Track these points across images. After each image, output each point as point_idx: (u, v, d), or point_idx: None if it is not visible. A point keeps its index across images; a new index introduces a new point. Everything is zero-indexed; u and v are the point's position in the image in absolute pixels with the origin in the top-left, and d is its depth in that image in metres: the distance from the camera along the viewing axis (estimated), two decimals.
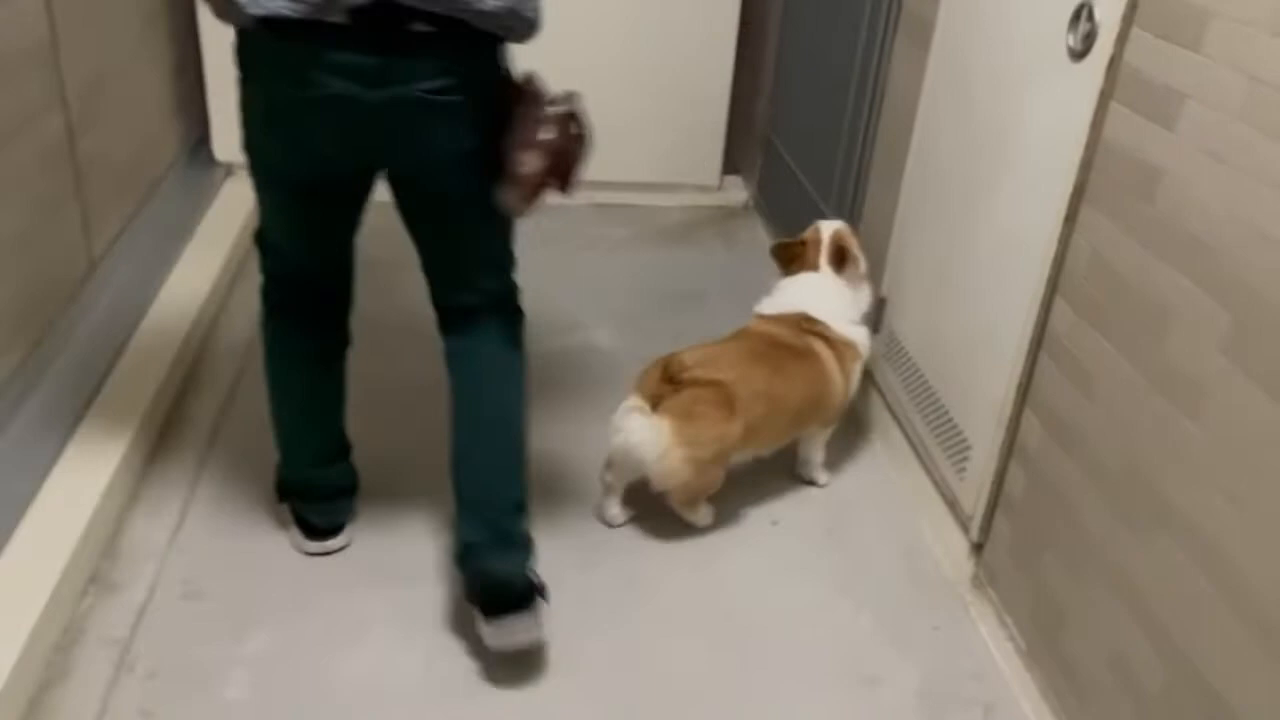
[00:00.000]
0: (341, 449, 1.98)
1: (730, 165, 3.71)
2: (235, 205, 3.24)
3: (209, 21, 3.16)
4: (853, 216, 2.63)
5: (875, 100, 2.51)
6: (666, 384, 1.99)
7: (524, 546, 1.76)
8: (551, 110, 1.54)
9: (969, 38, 2.06)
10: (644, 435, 1.96)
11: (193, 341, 2.61)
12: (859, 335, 2.22)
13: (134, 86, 2.90)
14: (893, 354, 2.39)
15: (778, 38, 3.34)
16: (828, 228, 2.27)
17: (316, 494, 1.97)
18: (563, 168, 1.56)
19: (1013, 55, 1.88)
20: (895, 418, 2.38)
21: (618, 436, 2.01)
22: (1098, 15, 1.60)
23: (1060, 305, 1.73)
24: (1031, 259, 1.78)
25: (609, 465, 2.10)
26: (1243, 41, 1.32)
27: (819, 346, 2.16)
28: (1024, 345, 1.80)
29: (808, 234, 2.29)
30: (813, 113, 3.03)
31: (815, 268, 2.23)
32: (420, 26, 1.44)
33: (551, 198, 1.59)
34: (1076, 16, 1.65)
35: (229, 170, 3.36)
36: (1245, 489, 1.31)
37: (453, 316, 1.78)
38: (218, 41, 3.19)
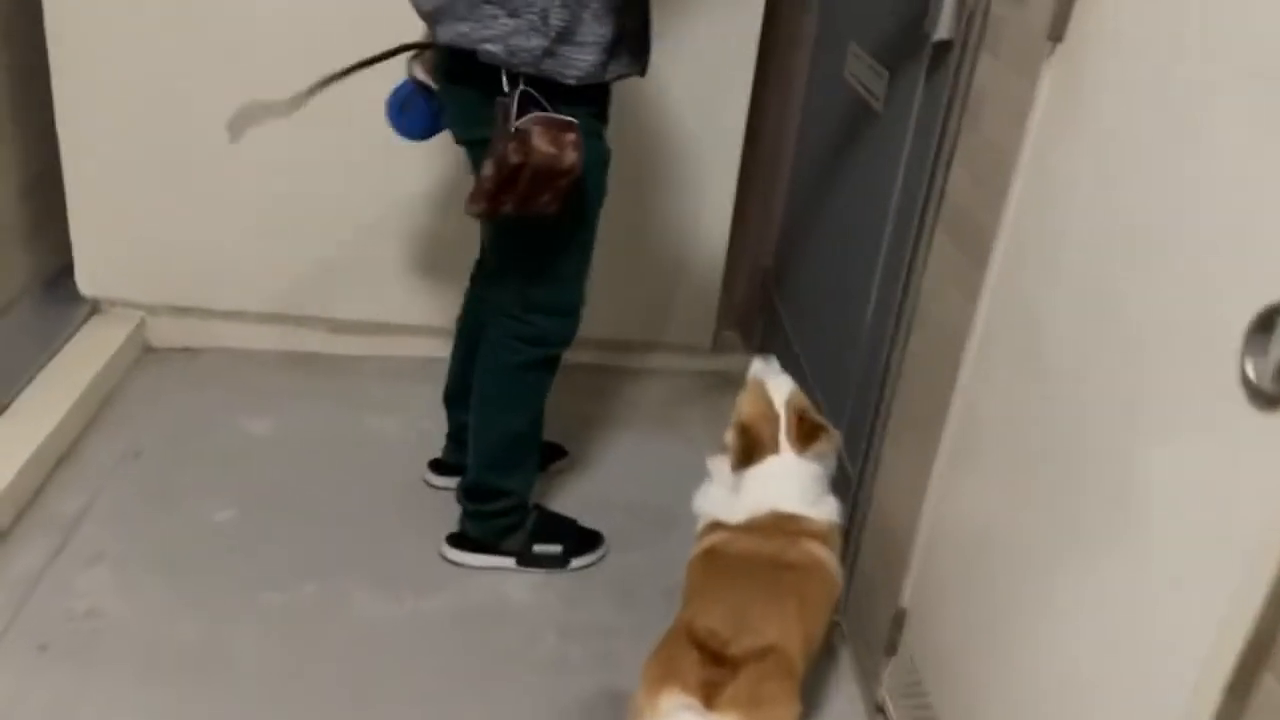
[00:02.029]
0: None
1: (728, 320, 2.99)
2: (98, 347, 2.57)
3: (76, 130, 2.51)
4: (866, 465, 1.89)
5: (904, 315, 1.78)
6: (712, 666, 1.50)
7: (471, 515, 2.13)
8: (511, 128, 1.66)
9: (1049, 293, 1.33)
10: None
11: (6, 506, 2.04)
12: (835, 510, 1.78)
13: None
14: (910, 693, 1.65)
15: (789, 179, 2.63)
16: (778, 392, 1.78)
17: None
18: (516, 186, 1.68)
19: (1132, 362, 1.15)
20: None
21: None
22: None
23: None
24: (1179, 661, 1.03)
25: None
26: None
27: (819, 552, 1.71)
28: None
29: (754, 404, 1.77)
30: (823, 295, 2.31)
31: (775, 450, 1.74)
32: None
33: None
34: (1265, 326, 0.91)
35: (95, 306, 2.70)
36: None
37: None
38: (84, 155, 2.53)
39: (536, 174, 1.67)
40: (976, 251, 1.52)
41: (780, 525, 1.70)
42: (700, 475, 2.32)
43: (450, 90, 1.84)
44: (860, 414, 1.95)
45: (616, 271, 2.77)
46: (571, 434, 2.57)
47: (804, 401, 1.80)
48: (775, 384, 1.80)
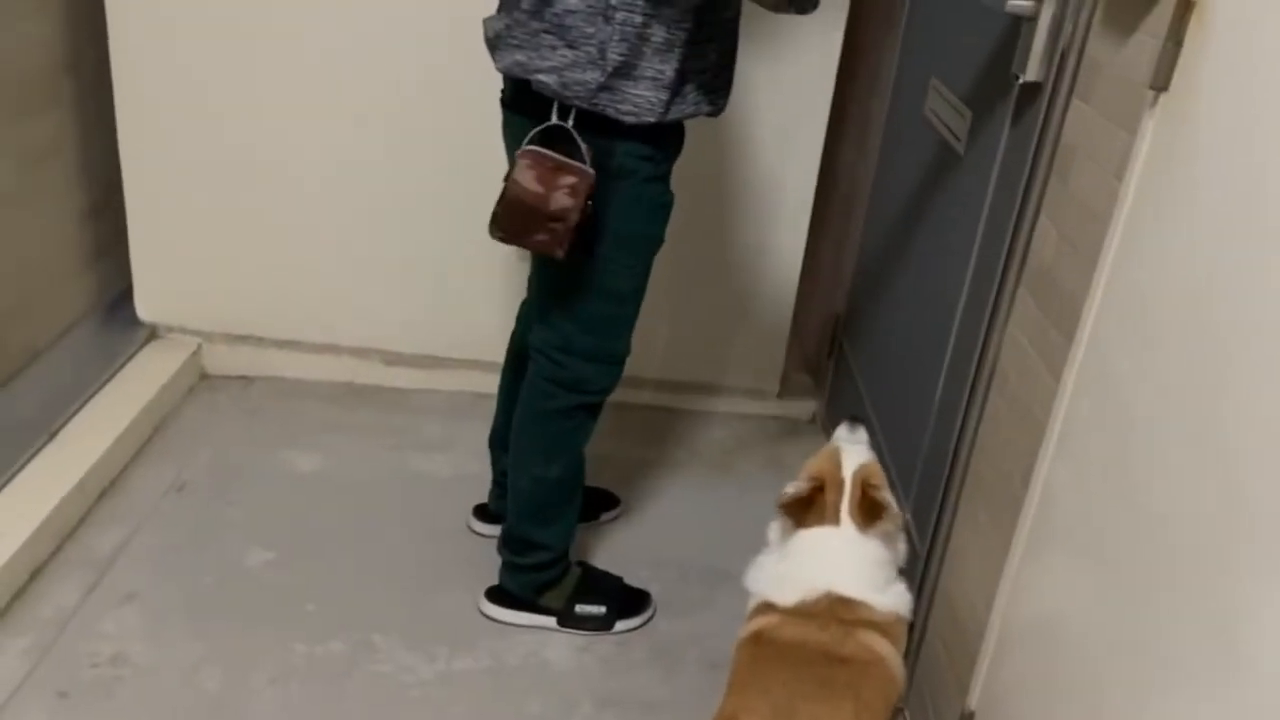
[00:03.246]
0: None
1: (796, 365, 2.84)
2: (152, 374, 2.54)
3: (139, 156, 2.49)
4: (934, 544, 1.73)
5: (980, 380, 1.61)
6: None
7: (507, 566, 2.03)
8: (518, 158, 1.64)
9: (1145, 374, 1.16)
10: None
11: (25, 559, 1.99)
12: (902, 600, 1.59)
13: (26, 226, 2.32)
14: None
15: (865, 222, 2.47)
16: (851, 460, 1.62)
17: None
18: (498, 218, 1.67)
19: (1239, 465, 0.98)
20: None
21: None
22: None
23: None
24: None
25: None
26: None
27: (879, 646, 1.52)
28: None
29: (822, 466, 1.61)
30: (897, 347, 2.15)
31: (835, 520, 1.57)
32: None
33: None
34: None
35: (154, 332, 2.67)
36: None
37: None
38: (147, 177, 2.51)
39: (516, 210, 1.63)
40: (1063, 319, 1.35)
41: (835, 612, 1.53)
42: (757, 528, 2.20)
43: (508, 117, 1.76)
44: (930, 485, 1.78)
45: (681, 310, 2.66)
46: (625, 479, 2.45)
47: (877, 475, 1.62)
48: (851, 451, 1.64)
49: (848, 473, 1.60)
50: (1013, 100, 1.59)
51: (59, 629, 1.90)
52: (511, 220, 1.65)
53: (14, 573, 1.95)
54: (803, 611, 1.54)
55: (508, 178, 1.65)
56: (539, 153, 1.61)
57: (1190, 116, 1.13)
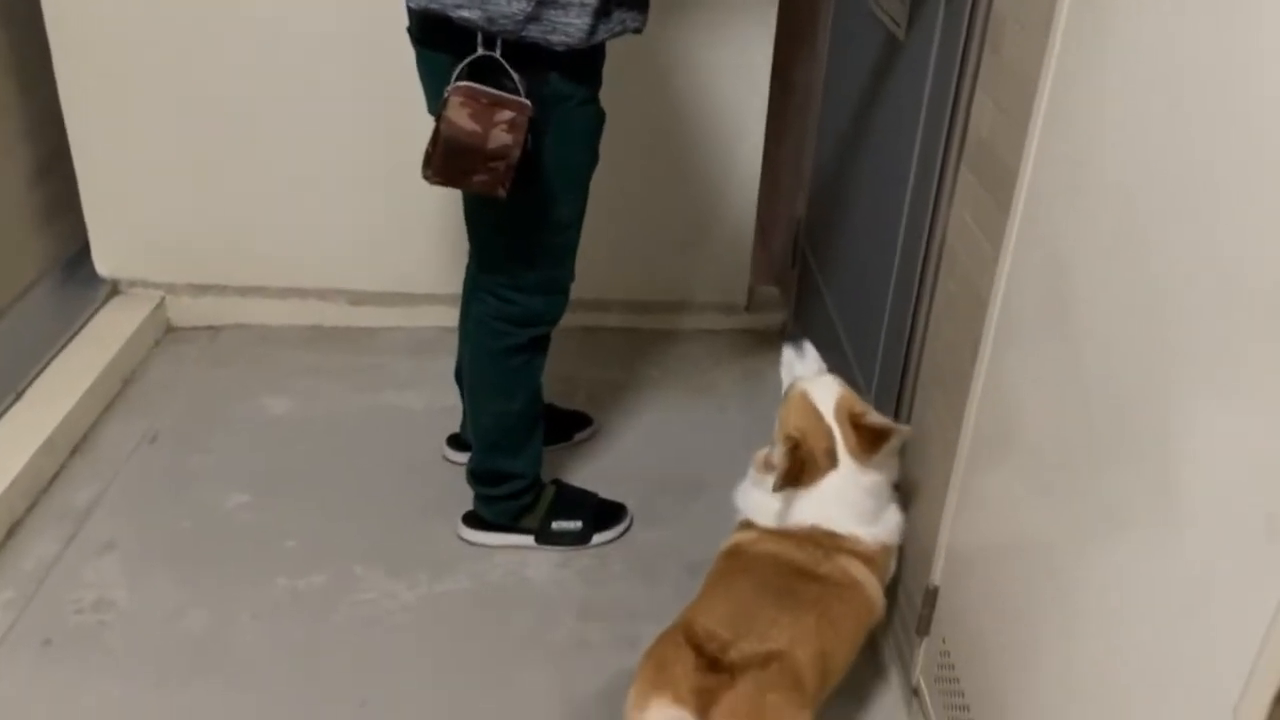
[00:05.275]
0: None
1: (763, 275, 2.83)
2: (117, 329, 2.53)
3: (83, 111, 2.45)
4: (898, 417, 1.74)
5: (929, 263, 1.62)
6: (708, 672, 1.34)
7: (481, 499, 2.04)
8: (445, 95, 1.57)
9: (1076, 233, 1.16)
10: None
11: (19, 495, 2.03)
12: (893, 527, 1.59)
13: None
14: (943, 683, 1.51)
15: (820, 125, 2.45)
16: (824, 400, 1.55)
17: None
18: (432, 160, 1.60)
19: (1167, 309, 0.98)
20: None
21: None
22: None
23: None
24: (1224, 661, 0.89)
25: None
26: None
27: (856, 570, 1.53)
28: None
29: (797, 420, 1.55)
30: (853, 244, 2.14)
31: (832, 465, 1.54)
32: None
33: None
34: None
35: (115, 288, 2.66)
36: None
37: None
38: (93, 136, 2.48)
39: (454, 151, 1.54)
40: (1000, 190, 1.35)
41: (816, 539, 1.53)
42: (734, 439, 2.22)
43: (421, 55, 1.68)
44: (890, 374, 1.79)
45: (643, 231, 2.65)
46: (597, 402, 2.46)
47: (855, 402, 1.57)
48: (819, 390, 1.57)
49: (828, 413, 1.55)
50: None
51: (39, 580, 1.92)
52: (448, 162, 1.56)
53: None
54: (783, 533, 1.55)
55: (439, 117, 1.56)
56: (472, 88, 1.53)
57: None
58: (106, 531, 2.04)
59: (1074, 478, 1.16)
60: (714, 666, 1.34)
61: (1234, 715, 0.83)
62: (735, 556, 1.56)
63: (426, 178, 1.61)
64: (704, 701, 1.31)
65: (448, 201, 2.56)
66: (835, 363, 1.89)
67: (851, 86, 2.16)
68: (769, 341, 2.77)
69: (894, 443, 1.57)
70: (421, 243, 2.64)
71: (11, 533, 2.01)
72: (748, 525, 1.61)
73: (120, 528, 2.05)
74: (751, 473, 1.67)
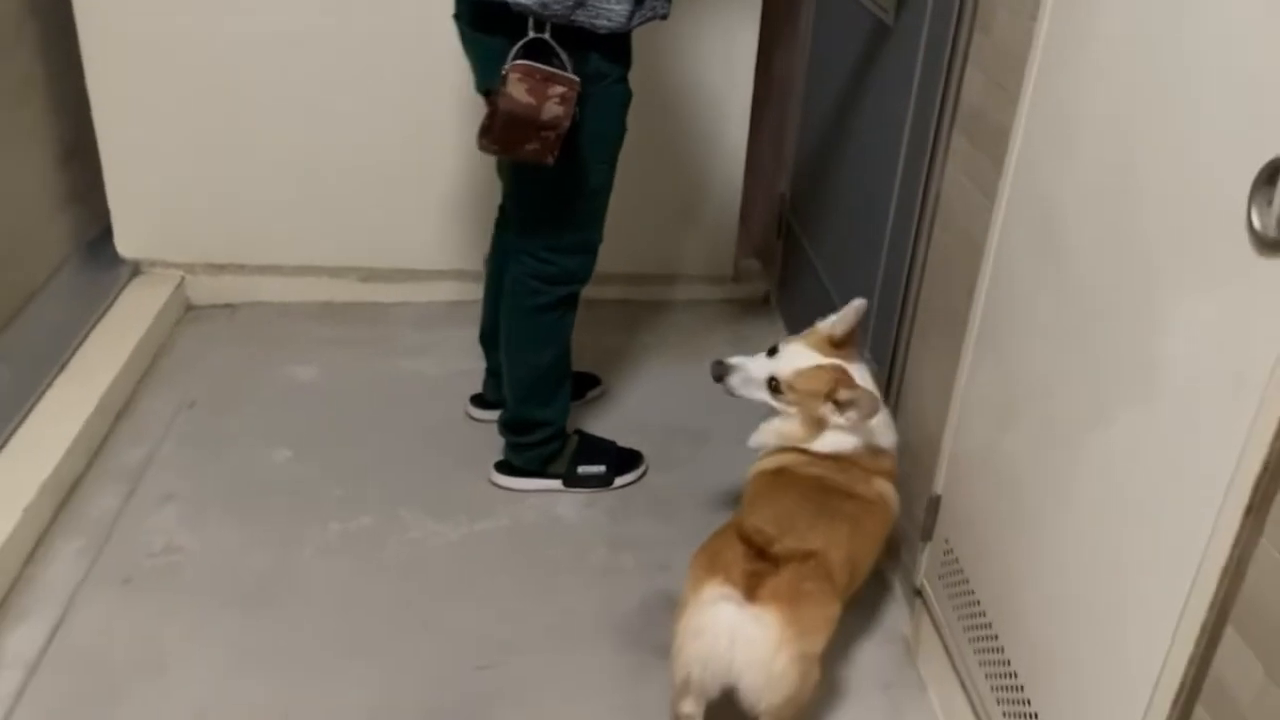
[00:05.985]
0: None
1: (747, 248, 3.07)
2: (142, 307, 2.66)
3: (106, 95, 2.58)
4: (894, 364, 1.98)
5: (925, 218, 1.86)
6: (756, 560, 1.56)
7: (513, 446, 2.24)
8: (502, 71, 1.74)
9: (1065, 177, 1.40)
10: (747, 631, 1.51)
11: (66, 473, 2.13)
12: (889, 438, 1.83)
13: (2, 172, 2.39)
14: (948, 580, 1.75)
15: (803, 104, 2.69)
16: (807, 358, 1.78)
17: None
18: (492, 131, 1.78)
19: (1146, 227, 1.23)
20: (955, 671, 1.73)
21: (699, 641, 1.53)
22: None
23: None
24: (1185, 566, 1.13)
25: (683, 689, 1.57)
26: None
27: (887, 490, 1.79)
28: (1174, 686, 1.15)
29: (826, 377, 1.78)
30: (843, 212, 2.38)
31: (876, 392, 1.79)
32: None
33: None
34: (1270, 179, 0.99)
35: (137, 268, 2.78)
36: None
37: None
38: (118, 115, 2.61)
39: (511, 122, 1.73)
40: (994, 148, 1.59)
41: (859, 461, 1.76)
42: (716, 398, 2.41)
43: (474, 38, 1.88)
44: (887, 316, 2.03)
45: (636, 206, 2.84)
46: (603, 365, 2.67)
47: (812, 337, 1.81)
48: (794, 359, 1.79)
49: (824, 360, 1.76)
50: None
51: (108, 530, 2.06)
52: (506, 132, 1.75)
53: (59, 483, 2.09)
54: (832, 457, 1.76)
55: (496, 92, 1.74)
56: (529, 66, 1.72)
57: None
58: (163, 486, 2.18)
59: (1064, 382, 1.40)
60: (761, 556, 1.56)
61: (1211, 529, 1.07)
62: (781, 474, 1.78)
63: (483, 147, 1.80)
64: (752, 583, 1.53)
65: (453, 184, 2.74)
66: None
67: (837, 70, 2.40)
68: (753, 309, 3.01)
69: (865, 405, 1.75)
70: (428, 223, 2.81)
71: (74, 489, 2.14)
72: (787, 450, 1.79)
73: (175, 482, 2.20)
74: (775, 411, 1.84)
